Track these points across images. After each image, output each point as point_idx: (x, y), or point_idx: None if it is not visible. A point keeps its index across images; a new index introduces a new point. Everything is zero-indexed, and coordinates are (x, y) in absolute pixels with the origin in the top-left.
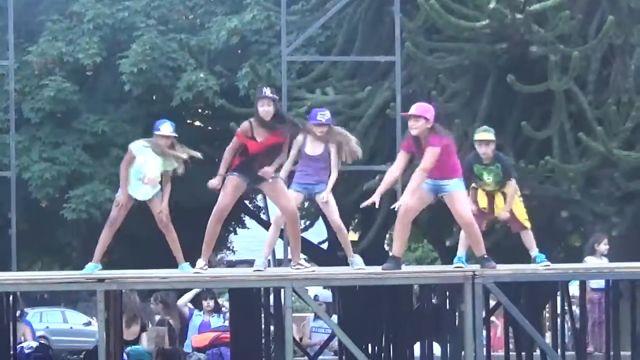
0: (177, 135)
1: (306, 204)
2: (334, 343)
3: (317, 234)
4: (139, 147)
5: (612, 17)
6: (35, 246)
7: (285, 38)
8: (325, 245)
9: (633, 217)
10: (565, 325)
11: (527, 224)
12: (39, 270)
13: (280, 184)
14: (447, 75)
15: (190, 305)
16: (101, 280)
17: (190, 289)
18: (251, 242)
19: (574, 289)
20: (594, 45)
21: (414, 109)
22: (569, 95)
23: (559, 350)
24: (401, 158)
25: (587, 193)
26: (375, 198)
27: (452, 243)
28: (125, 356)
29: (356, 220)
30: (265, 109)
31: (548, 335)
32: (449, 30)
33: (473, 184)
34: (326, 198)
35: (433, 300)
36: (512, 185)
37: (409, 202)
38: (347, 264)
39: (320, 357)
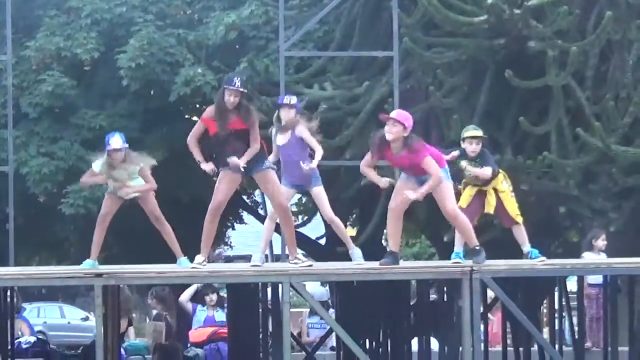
0: (127, 146)
1: (304, 200)
2: (329, 340)
3: (315, 229)
4: (98, 164)
5: (610, 12)
6: (33, 241)
7: (283, 33)
8: (323, 241)
9: (631, 212)
10: (563, 321)
11: (519, 219)
12: (37, 265)
13: (271, 176)
14: (445, 71)
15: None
16: (99, 275)
17: (188, 284)
18: (249, 237)
19: (572, 284)
20: (592, 41)
21: (394, 114)
22: (566, 91)
23: (556, 345)
24: (370, 161)
25: (584, 188)
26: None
27: (449, 239)
28: (122, 351)
29: (354, 215)
30: (230, 100)
31: (546, 330)
32: (447, 25)
33: (465, 180)
34: (312, 166)
35: (431, 296)
36: (499, 178)
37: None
38: (346, 259)
39: (318, 352)
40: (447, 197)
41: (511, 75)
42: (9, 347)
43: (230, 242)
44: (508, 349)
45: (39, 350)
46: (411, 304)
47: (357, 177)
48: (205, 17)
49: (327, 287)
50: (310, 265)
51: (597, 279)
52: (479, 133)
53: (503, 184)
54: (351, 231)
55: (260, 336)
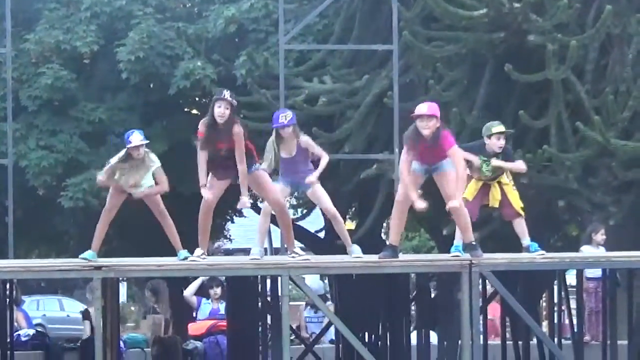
0: (148, 141)
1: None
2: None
3: (314, 222)
4: (114, 162)
5: (610, 6)
6: (32, 234)
7: (282, 26)
8: (322, 234)
9: (630, 206)
10: (563, 315)
11: (522, 212)
12: (36, 258)
13: (261, 175)
14: (444, 64)
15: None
16: (98, 268)
17: (188, 277)
18: (248, 230)
19: (571, 278)
20: (592, 35)
21: (425, 109)
22: (566, 85)
23: (555, 339)
24: (409, 162)
25: (584, 182)
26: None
27: (449, 232)
28: (122, 344)
29: (353, 209)
30: (221, 111)
31: (545, 324)
32: (447, 19)
33: (478, 176)
34: (313, 179)
35: (430, 289)
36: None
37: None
38: (345, 252)
39: (317, 345)
40: (453, 186)
41: (511, 69)
42: (8, 340)
43: (230, 235)
44: (507, 342)
45: (38, 342)
46: (411, 297)
47: (357, 170)
48: (205, 10)
49: (326, 280)
50: (309, 259)
51: (596, 272)
52: (504, 128)
53: (505, 177)
54: (350, 225)
55: (260, 329)
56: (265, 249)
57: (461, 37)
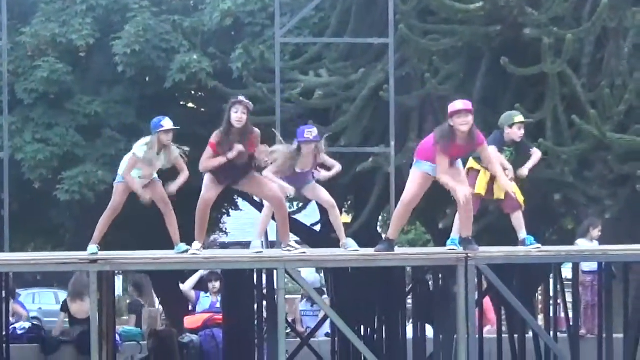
0: (178, 127)
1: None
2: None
3: (310, 216)
4: (141, 150)
5: (606, 0)
6: (28, 227)
7: (278, 20)
8: (318, 228)
9: (626, 200)
10: (559, 308)
11: (522, 205)
12: (32, 251)
13: (256, 177)
14: (440, 58)
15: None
16: (94, 261)
17: (183, 271)
18: (244, 223)
19: (567, 271)
20: (588, 28)
21: (461, 105)
22: (562, 78)
23: (551, 332)
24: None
25: (580, 176)
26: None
27: (445, 225)
28: (117, 337)
29: (349, 202)
30: (239, 116)
31: (540, 317)
32: (443, 12)
33: (472, 166)
34: (323, 177)
35: (426, 283)
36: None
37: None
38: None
39: (312, 339)
40: (464, 180)
41: (507, 62)
42: (4, 333)
43: (226, 229)
44: (503, 335)
45: (34, 336)
46: (406, 290)
47: (353, 164)
48: (201, 3)
49: (322, 274)
50: (304, 252)
51: (591, 266)
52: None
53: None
54: (346, 218)
55: (255, 322)
56: (262, 242)
57: (457, 31)
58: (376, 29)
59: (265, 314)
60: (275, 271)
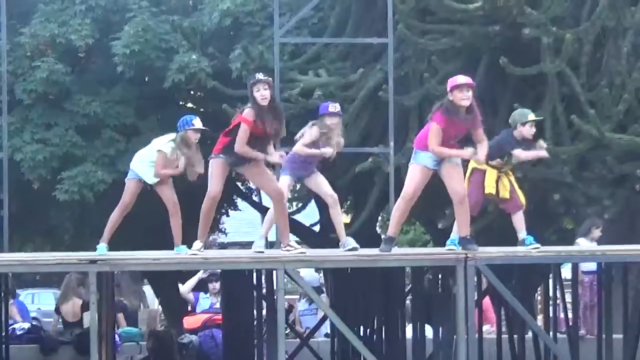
0: (207, 129)
1: (298, 186)
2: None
3: (309, 216)
4: (168, 147)
5: None
6: (27, 227)
7: (277, 20)
8: (317, 228)
9: (625, 200)
10: (558, 308)
11: (524, 205)
12: (31, 251)
13: (260, 167)
14: (439, 57)
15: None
16: (93, 261)
17: (183, 271)
18: (243, 224)
19: (566, 272)
20: (587, 28)
21: (464, 79)
22: (561, 78)
23: (551, 332)
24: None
25: (579, 176)
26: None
27: (444, 225)
28: (117, 337)
29: (348, 202)
30: (262, 93)
31: (540, 318)
32: (442, 12)
33: (475, 165)
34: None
35: (425, 283)
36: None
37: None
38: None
39: (312, 339)
40: (460, 178)
41: (506, 62)
42: (3, 334)
43: (224, 229)
44: (502, 336)
45: (34, 336)
46: (406, 290)
47: (352, 164)
48: (200, 3)
49: (321, 273)
50: (304, 252)
51: (590, 266)
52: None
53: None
54: (345, 218)
55: (255, 323)
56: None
57: (456, 30)
58: (375, 28)
59: (264, 314)
60: (274, 271)
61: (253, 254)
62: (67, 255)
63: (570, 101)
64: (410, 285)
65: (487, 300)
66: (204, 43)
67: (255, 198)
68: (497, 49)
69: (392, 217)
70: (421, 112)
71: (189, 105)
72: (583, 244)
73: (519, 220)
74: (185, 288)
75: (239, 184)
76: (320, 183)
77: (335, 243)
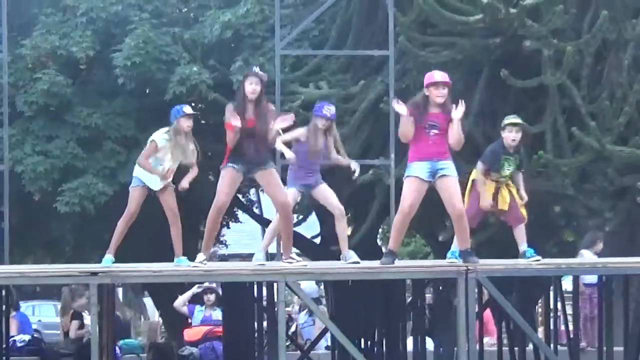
0: (198, 113)
1: (299, 198)
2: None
3: (310, 228)
4: (161, 139)
5: (606, 11)
6: (28, 239)
7: (278, 32)
8: (318, 240)
9: (626, 212)
10: (559, 320)
11: (525, 217)
12: (32, 263)
13: (274, 174)
14: (440, 70)
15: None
16: (94, 273)
17: (182, 283)
18: (244, 236)
19: (567, 284)
20: (588, 40)
21: (441, 76)
22: (562, 90)
23: (551, 345)
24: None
25: (580, 188)
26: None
27: (445, 238)
28: (117, 350)
29: (349, 214)
30: (253, 87)
31: (541, 330)
32: (443, 24)
33: (475, 177)
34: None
35: (426, 295)
36: (520, 174)
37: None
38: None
39: (313, 351)
40: (457, 192)
41: (507, 74)
42: (4, 346)
43: (225, 241)
44: (503, 348)
45: (34, 348)
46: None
47: (353, 176)
48: (201, 15)
49: (322, 285)
50: (305, 265)
51: (591, 278)
52: (521, 121)
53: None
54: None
55: (255, 335)
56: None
57: (457, 43)
58: (376, 41)
59: (265, 327)
60: (275, 284)
61: (254, 266)
62: (68, 267)
63: (571, 113)
64: (411, 297)
65: (487, 313)
66: (205, 55)
67: (256, 210)
68: (498, 61)
69: (392, 232)
70: None
71: None
72: (587, 255)
73: (520, 233)
74: (178, 302)
75: (239, 195)
76: (328, 195)
77: (336, 256)
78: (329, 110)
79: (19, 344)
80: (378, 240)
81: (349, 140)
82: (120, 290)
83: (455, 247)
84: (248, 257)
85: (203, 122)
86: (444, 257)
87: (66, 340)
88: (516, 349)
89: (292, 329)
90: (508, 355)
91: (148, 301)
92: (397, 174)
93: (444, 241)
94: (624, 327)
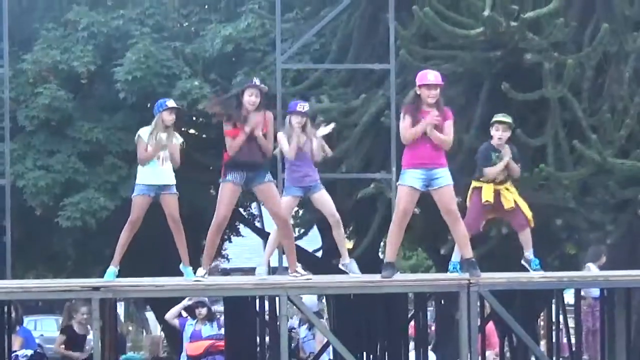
0: (181, 107)
1: (300, 212)
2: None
3: (311, 242)
4: (146, 132)
5: (607, 24)
6: (30, 254)
7: (279, 46)
8: (319, 254)
9: (627, 225)
10: (561, 333)
11: (532, 221)
12: (34, 278)
13: (273, 188)
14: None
15: (184, 313)
16: (96, 288)
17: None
18: (246, 250)
19: (569, 297)
20: (589, 53)
21: (434, 77)
22: (563, 103)
23: (554, 358)
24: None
25: (581, 201)
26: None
27: (446, 251)
28: None
29: (350, 228)
30: (253, 100)
31: (543, 343)
32: (444, 37)
33: (475, 185)
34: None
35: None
36: (516, 168)
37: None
38: (343, 272)
39: None
40: (452, 197)
41: (508, 87)
42: None
43: (227, 255)
44: None
45: None
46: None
47: (354, 189)
48: (202, 29)
49: (324, 299)
50: (310, 279)
51: (594, 291)
52: (508, 119)
53: (511, 186)
54: (348, 244)
55: (257, 349)
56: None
57: (458, 56)
58: (377, 54)
59: (267, 341)
60: (277, 298)
61: (256, 280)
62: (70, 282)
63: (572, 126)
64: (413, 310)
65: (490, 325)
66: (206, 69)
67: (257, 224)
68: (499, 74)
69: (388, 242)
70: None
71: (191, 131)
72: (593, 269)
73: (525, 238)
74: (169, 315)
75: (241, 209)
76: (325, 202)
77: (337, 269)
78: (303, 107)
79: (21, 359)
80: (380, 254)
81: (349, 153)
82: (122, 305)
83: (455, 257)
84: (250, 271)
85: (204, 136)
86: (446, 271)
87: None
88: None
89: (294, 343)
90: None
91: (150, 315)
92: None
93: (445, 254)
94: (626, 340)
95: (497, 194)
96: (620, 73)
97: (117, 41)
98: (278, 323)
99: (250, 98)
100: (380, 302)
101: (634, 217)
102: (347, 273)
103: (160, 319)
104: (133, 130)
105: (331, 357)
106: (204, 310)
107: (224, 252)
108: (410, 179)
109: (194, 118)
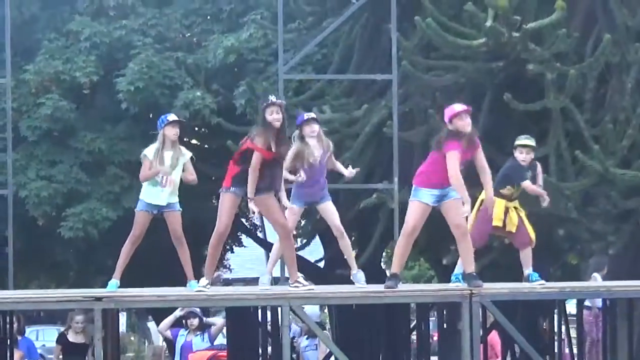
0: (184, 120)
1: (302, 222)
2: None
3: (314, 252)
4: (151, 151)
5: (609, 35)
6: (32, 264)
7: (282, 56)
8: (322, 264)
9: (630, 235)
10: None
11: (534, 241)
12: (36, 288)
13: (272, 198)
14: (444, 93)
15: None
16: (99, 299)
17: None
18: (248, 260)
19: (571, 307)
20: (591, 64)
21: (461, 107)
22: (565, 114)
23: None
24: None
25: (583, 211)
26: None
27: (449, 262)
28: None
29: (353, 238)
30: (275, 117)
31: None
32: (446, 48)
33: (483, 197)
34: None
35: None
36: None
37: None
38: (345, 282)
39: None
40: (461, 212)
41: (510, 98)
42: None
43: (230, 265)
44: None
45: None
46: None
47: (356, 200)
48: (204, 40)
49: (326, 309)
50: (312, 289)
51: (600, 302)
52: (532, 142)
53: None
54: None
55: (260, 359)
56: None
57: (460, 66)
58: (379, 65)
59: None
60: (279, 308)
61: (258, 291)
62: (72, 292)
63: (574, 137)
64: (415, 320)
65: (493, 336)
66: (208, 80)
67: (259, 234)
68: (501, 84)
69: (395, 254)
70: (426, 148)
71: (194, 141)
72: (600, 279)
73: (526, 257)
74: (162, 326)
75: (243, 220)
76: (331, 213)
77: (339, 279)
78: (309, 114)
79: None
80: (382, 264)
81: (352, 164)
82: (124, 315)
83: (458, 269)
84: (252, 281)
85: (206, 146)
86: (448, 281)
87: None
88: None
89: (295, 355)
90: None
91: (152, 326)
92: (401, 198)
93: (448, 265)
94: (628, 350)
95: (505, 211)
96: (623, 84)
97: (119, 52)
98: (280, 333)
99: (273, 116)
100: (382, 312)
101: (636, 227)
102: (352, 283)
103: None
104: (135, 141)
105: None
106: (195, 321)
107: (226, 263)
108: (425, 197)
109: (196, 128)
